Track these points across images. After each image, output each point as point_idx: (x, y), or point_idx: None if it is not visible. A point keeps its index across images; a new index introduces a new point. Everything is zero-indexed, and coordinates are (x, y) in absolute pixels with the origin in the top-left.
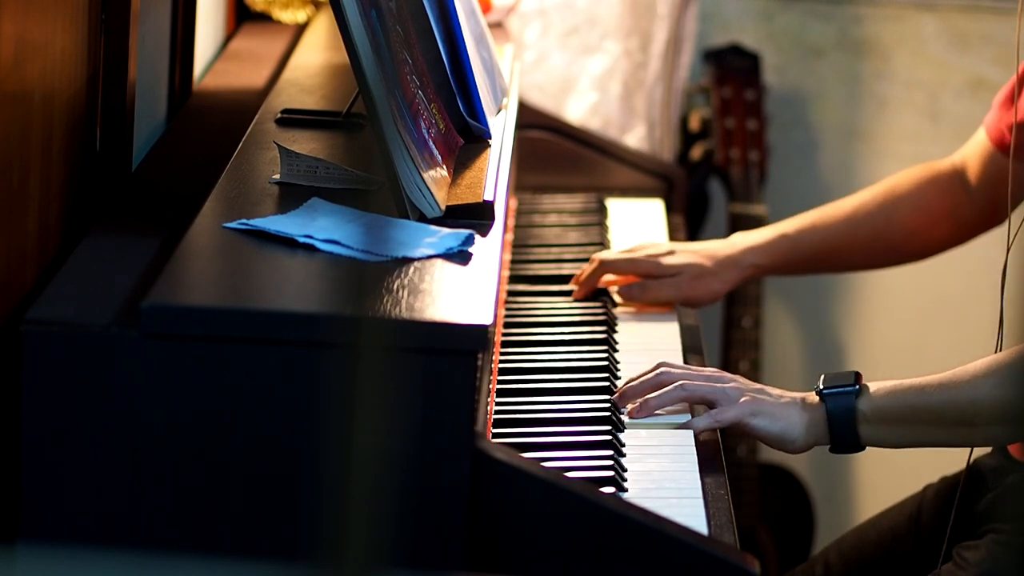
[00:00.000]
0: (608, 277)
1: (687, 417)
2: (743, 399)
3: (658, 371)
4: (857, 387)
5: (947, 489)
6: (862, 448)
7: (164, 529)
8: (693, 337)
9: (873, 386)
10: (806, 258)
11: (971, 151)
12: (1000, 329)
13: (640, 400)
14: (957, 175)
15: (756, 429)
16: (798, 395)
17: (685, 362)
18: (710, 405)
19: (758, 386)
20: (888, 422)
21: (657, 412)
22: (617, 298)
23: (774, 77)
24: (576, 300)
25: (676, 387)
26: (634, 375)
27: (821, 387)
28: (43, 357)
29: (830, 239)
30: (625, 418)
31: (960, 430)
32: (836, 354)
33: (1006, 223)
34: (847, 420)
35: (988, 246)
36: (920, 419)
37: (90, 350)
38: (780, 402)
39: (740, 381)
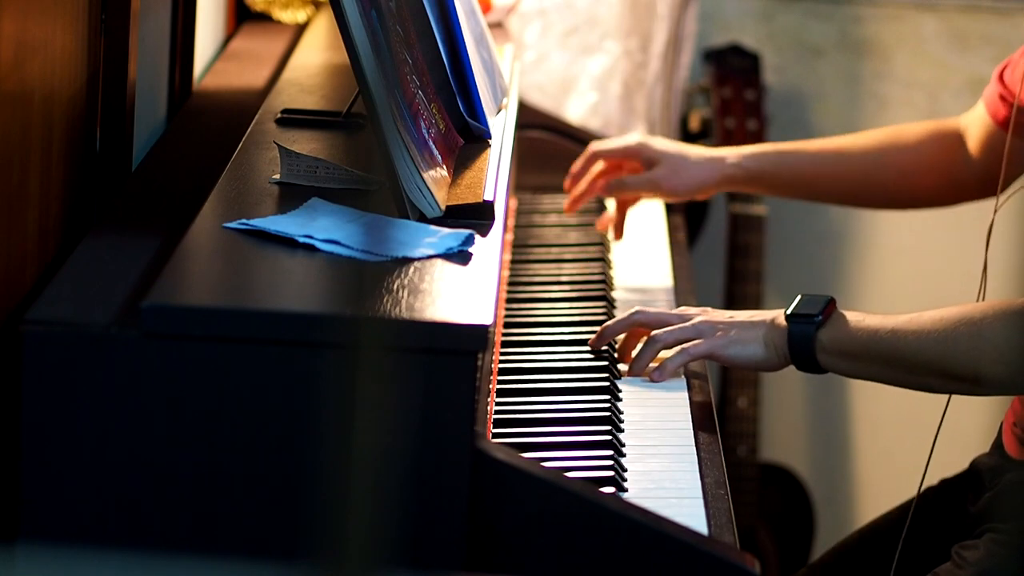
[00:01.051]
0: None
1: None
2: (716, 334)
3: (633, 312)
4: (820, 318)
5: (946, 490)
6: (824, 371)
7: (164, 529)
8: None
9: (845, 316)
10: (791, 175)
11: (972, 120)
12: (982, 285)
13: (630, 364)
14: (959, 136)
15: (729, 359)
16: (768, 315)
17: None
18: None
19: (727, 314)
20: (843, 356)
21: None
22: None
23: (774, 77)
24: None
25: (649, 344)
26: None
27: (789, 311)
28: (43, 357)
29: (819, 163)
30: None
31: (904, 376)
32: None
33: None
34: (806, 347)
35: (993, 251)
36: (870, 358)
37: (90, 350)
38: (748, 326)
39: (709, 313)
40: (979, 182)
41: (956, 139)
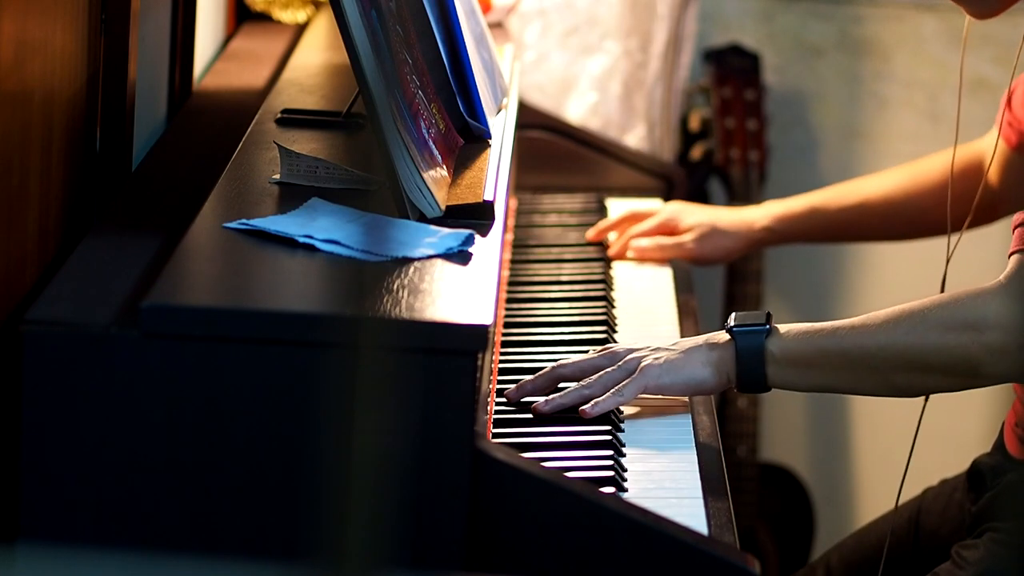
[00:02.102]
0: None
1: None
2: (641, 367)
3: (552, 368)
4: (768, 327)
5: (947, 491)
6: (768, 389)
7: (164, 529)
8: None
9: (784, 328)
10: (820, 232)
11: (988, 145)
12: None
13: (542, 400)
14: (978, 161)
15: (664, 388)
16: (701, 338)
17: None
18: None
19: (655, 345)
20: (797, 364)
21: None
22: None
23: (774, 77)
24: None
25: (579, 387)
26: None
27: (731, 324)
28: (43, 357)
29: (845, 217)
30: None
31: (868, 375)
32: None
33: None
34: (755, 360)
35: (993, 250)
36: (830, 363)
37: (90, 350)
38: (681, 351)
39: (636, 350)
40: (1000, 205)
41: (977, 167)
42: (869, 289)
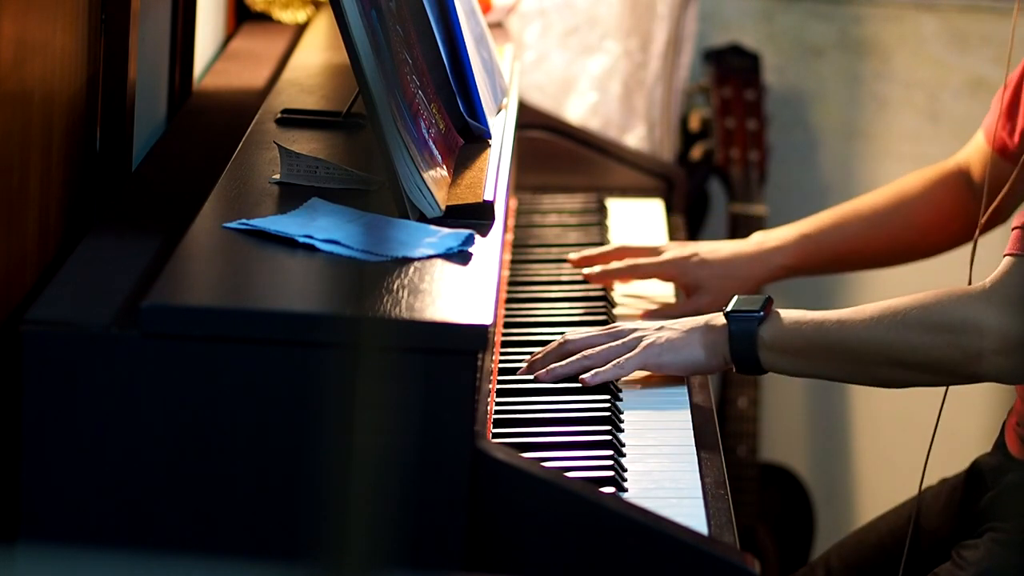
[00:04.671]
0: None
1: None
2: (643, 344)
3: (562, 342)
4: (762, 314)
5: (946, 490)
6: (764, 372)
7: (164, 529)
8: None
9: (783, 313)
10: (828, 258)
11: (972, 153)
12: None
13: (546, 368)
14: (962, 174)
15: (663, 366)
16: (702, 318)
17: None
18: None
19: (659, 324)
20: (786, 352)
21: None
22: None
23: (774, 77)
24: (575, 268)
25: (580, 358)
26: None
27: (729, 309)
28: (43, 357)
29: (850, 239)
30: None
31: (851, 368)
32: None
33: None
34: (747, 345)
35: (993, 250)
36: (814, 353)
37: (90, 350)
38: (682, 331)
39: (641, 328)
40: (994, 214)
41: (959, 179)
42: (869, 289)
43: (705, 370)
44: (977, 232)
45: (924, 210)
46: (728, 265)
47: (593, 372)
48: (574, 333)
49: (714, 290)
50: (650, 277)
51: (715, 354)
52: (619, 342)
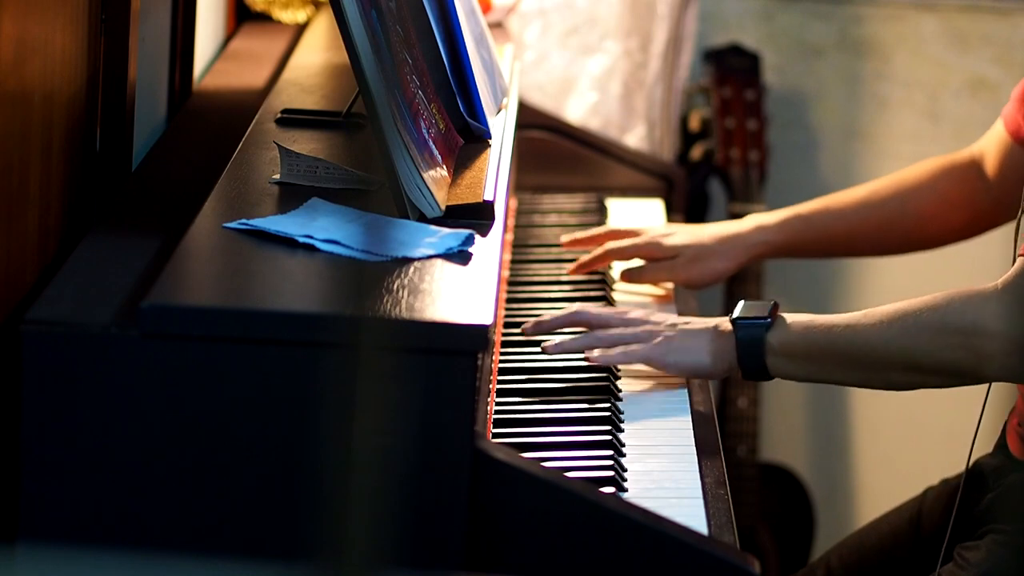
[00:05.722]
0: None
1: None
2: (655, 341)
3: (574, 311)
4: (769, 320)
5: (948, 491)
6: (771, 378)
7: (164, 529)
8: None
9: (790, 318)
10: (818, 239)
11: (989, 141)
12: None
13: (554, 341)
14: (974, 165)
15: (669, 367)
16: (712, 321)
17: None
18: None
19: (671, 321)
20: (795, 357)
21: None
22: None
23: (774, 77)
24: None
25: (590, 335)
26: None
27: (736, 315)
28: (43, 357)
29: (843, 222)
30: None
31: (862, 373)
32: None
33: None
34: (755, 351)
35: (992, 247)
36: (825, 358)
37: (90, 350)
38: (692, 333)
39: (654, 321)
40: (1002, 206)
41: (970, 169)
42: (869, 290)
43: (708, 376)
44: (1020, 214)
45: (924, 198)
46: (707, 239)
47: (600, 352)
48: (586, 306)
49: (691, 259)
50: (631, 257)
51: (721, 360)
52: (630, 330)
